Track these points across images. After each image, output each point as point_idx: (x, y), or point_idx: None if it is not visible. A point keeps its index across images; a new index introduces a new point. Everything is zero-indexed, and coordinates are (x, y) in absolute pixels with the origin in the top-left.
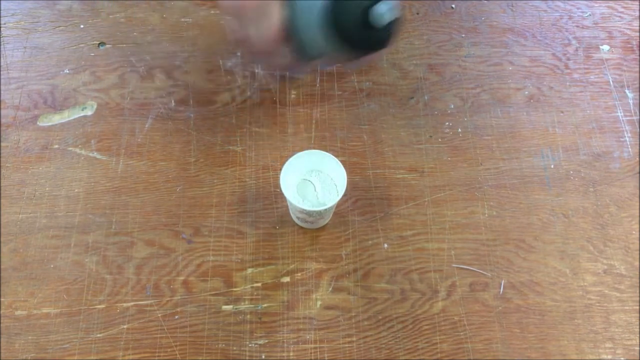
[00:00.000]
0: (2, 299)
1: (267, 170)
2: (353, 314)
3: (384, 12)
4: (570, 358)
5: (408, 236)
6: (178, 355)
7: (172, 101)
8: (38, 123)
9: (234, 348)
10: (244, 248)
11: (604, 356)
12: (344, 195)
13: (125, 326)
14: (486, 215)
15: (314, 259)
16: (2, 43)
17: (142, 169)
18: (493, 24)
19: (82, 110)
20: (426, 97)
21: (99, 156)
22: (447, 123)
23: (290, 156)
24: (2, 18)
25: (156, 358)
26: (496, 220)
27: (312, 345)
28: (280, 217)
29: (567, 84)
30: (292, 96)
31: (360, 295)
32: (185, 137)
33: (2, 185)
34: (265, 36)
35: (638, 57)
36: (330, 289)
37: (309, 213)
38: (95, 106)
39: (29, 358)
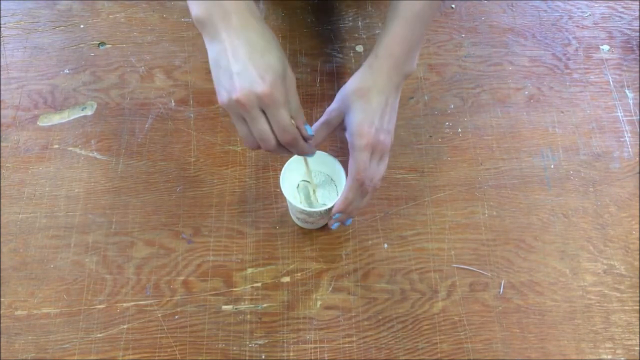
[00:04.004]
0: (2, 299)
1: (267, 170)
2: (353, 314)
3: None
4: (570, 358)
5: (408, 236)
6: (178, 355)
7: (172, 101)
8: (38, 123)
9: (234, 348)
10: (244, 248)
11: (604, 356)
12: None
13: (125, 326)
14: (486, 215)
15: (314, 259)
16: (2, 43)
17: (142, 169)
18: (493, 24)
19: (82, 110)
20: (426, 97)
21: (99, 156)
22: (447, 123)
23: (290, 156)
24: (2, 18)
25: (156, 358)
26: (496, 220)
27: (312, 345)
28: (280, 217)
29: (567, 84)
30: None
31: (360, 295)
32: (185, 137)
33: (2, 185)
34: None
35: (638, 57)
36: (330, 289)
37: (309, 214)
38: (95, 106)
39: (29, 358)
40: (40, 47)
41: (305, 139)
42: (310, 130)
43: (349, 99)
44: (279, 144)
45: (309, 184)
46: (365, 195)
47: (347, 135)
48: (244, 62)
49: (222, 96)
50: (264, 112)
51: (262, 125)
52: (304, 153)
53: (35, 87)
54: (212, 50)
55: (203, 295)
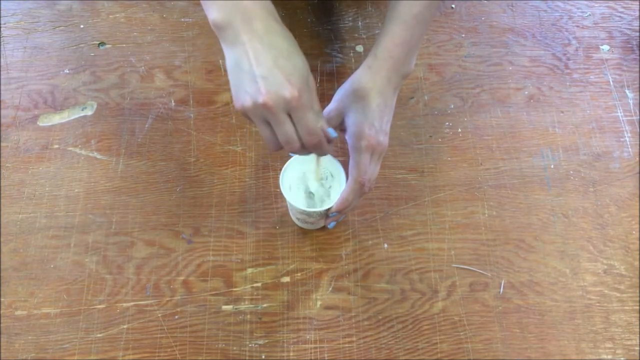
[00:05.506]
0: (2, 299)
1: (267, 170)
2: (353, 314)
3: None
4: (570, 358)
5: (408, 236)
6: (178, 355)
7: (172, 101)
8: (38, 123)
9: (234, 348)
10: (244, 248)
11: (604, 356)
12: None
13: (125, 326)
14: (486, 215)
15: (314, 259)
16: (2, 43)
17: (142, 169)
18: (493, 24)
19: (82, 110)
20: (426, 97)
21: (99, 156)
22: (447, 123)
23: (290, 157)
24: (2, 18)
25: (156, 358)
26: (496, 220)
27: (312, 345)
28: (280, 217)
29: (567, 84)
30: None
31: (360, 295)
32: (185, 137)
33: (2, 185)
34: (312, 127)
35: (638, 57)
36: (330, 289)
37: (309, 214)
38: (95, 106)
39: (29, 358)
40: (40, 47)
41: (329, 141)
42: (333, 132)
43: (348, 100)
44: (303, 145)
45: (310, 182)
46: (362, 195)
47: (347, 136)
48: (269, 65)
49: (245, 100)
50: (289, 115)
51: (288, 129)
52: (324, 154)
53: (35, 87)
54: (232, 54)
55: (203, 295)
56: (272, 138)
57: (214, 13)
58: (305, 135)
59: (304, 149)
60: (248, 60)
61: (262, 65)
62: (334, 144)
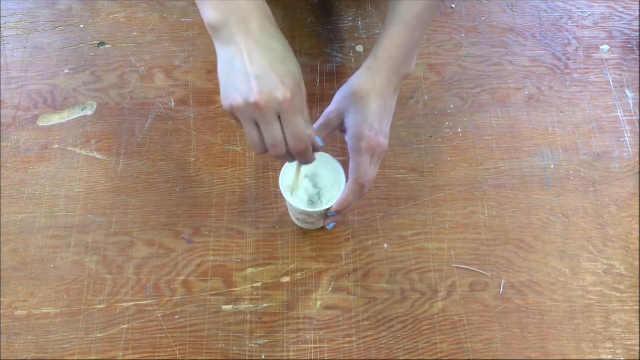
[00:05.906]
0: (2, 299)
1: (267, 170)
2: (353, 314)
3: None
4: (570, 358)
5: (408, 236)
6: (178, 355)
7: (172, 101)
8: (38, 123)
9: (234, 348)
10: (244, 248)
11: (604, 356)
12: None
13: (125, 326)
14: (486, 215)
15: (314, 259)
16: (2, 43)
17: (142, 169)
18: (493, 24)
19: (82, 110)
20: (426, 97)
21: (99, 156)
22: (447, 123)
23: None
24: (2, 18)
25: (156, 358)
26: (496, 220)
27: (312, 345)
28: (280, 217)
29: (567, 84)
30: None
31: (360, 295)
32: (185, 137)
33: (2, 185)
34: (301, 132)
35: (638, 57)
36: (330, 289)
37: (309, 214)
38: (95, 106)
39: (29, 358)
40: (40, 47)
41: (315, 150)
42: (321, 142)
43: (348, 101)
44: (288, 151)
45: (309, 185)
46: (362, 197)
47: (347, 138)
48: (264, 66)
49: (235, 99)
50: (278, 117)
51: (276, 131)
52: (307, 163)
53: (35, 87)
54: (226, 53)
55: (203, 295)
56: (258, 140)
57: (209, 13)
58: (293, 140)
59: (289, 155)
60: (242, 60)
61: (256, 65)
62: (323, 150)
